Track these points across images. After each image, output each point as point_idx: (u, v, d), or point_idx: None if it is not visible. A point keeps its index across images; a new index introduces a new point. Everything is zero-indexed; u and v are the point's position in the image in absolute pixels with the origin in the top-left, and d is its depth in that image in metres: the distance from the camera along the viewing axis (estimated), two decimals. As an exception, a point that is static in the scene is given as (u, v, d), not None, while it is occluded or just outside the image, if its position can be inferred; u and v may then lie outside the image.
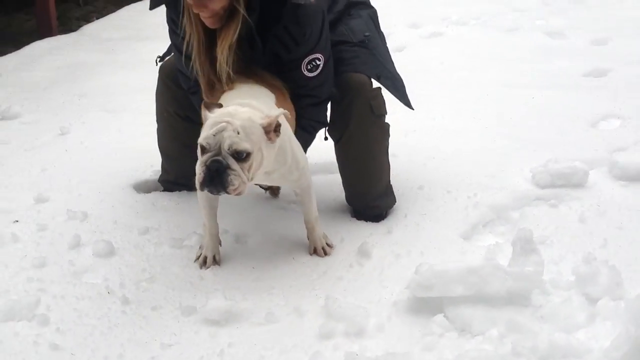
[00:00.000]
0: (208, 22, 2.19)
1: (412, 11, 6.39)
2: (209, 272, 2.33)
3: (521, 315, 1.99)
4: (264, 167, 2.05)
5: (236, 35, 2.18)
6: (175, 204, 2.76)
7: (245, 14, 2.14)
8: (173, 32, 2.42)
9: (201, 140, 1.93)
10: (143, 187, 2.93)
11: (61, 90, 4.23)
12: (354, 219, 2.70)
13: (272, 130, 1.96)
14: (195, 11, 2.14)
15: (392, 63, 2.71)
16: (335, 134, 2.61)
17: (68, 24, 6.25)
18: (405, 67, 3.10)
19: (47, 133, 3.50)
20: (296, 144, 2.25)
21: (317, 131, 2.58)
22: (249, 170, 1.93)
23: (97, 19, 6.67)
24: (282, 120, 2.06)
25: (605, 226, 2.61)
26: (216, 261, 2.37)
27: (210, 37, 2.24)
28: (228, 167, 1.88)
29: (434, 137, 3.42)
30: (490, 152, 3.28)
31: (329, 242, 2.48)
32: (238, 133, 1.87)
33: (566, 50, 5.18)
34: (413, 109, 2.71)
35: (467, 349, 1.89)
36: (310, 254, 2.46)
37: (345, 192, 2.72)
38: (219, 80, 2.27)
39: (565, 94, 4.17)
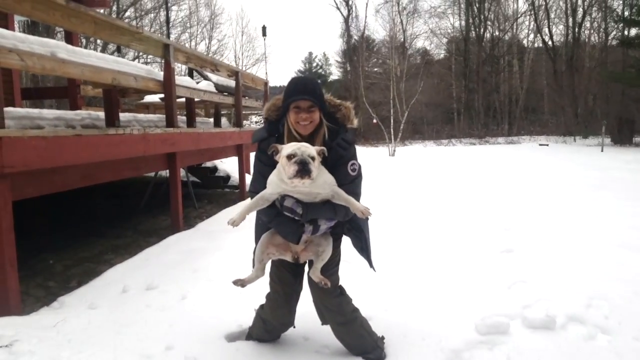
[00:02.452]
0: (307, 129, 2.31)
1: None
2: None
3: None
4: (317, 171, 2.16)
5: (322, 137, 2.35)
6: (252, 350, 2.65)
7: (326, 122, 2.35)
8: (261, 162, 2.39)
9: (290, 151, 2.12)
10: (229, 337, 2.82)
11: (183, 267, 4.24)
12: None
13: (320, 153, 2.18)
14: (303, 117, 2.28)
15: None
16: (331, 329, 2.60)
17: (189, 222, 6.42)
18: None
19: (174, 298, 3.46)
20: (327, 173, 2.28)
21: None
22: (315, 167, 2.12)
23: (207, 217, 6.81)
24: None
25: (524, 363, 2.48)
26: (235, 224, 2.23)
27: None
28: (309, 162, 2.09)
29: (413, 304, 3.31)
30: (447, 308, 3.18)
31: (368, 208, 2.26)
32: (308, 147, 2.14)
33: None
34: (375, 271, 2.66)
35: None
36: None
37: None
38: None
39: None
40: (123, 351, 2.63)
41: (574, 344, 2.67)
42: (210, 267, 4.19)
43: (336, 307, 2.48)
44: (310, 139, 2.32)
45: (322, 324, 2.57)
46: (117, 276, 3.99)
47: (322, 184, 2.21)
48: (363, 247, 2.52)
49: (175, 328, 2.95)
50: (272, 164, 2.27)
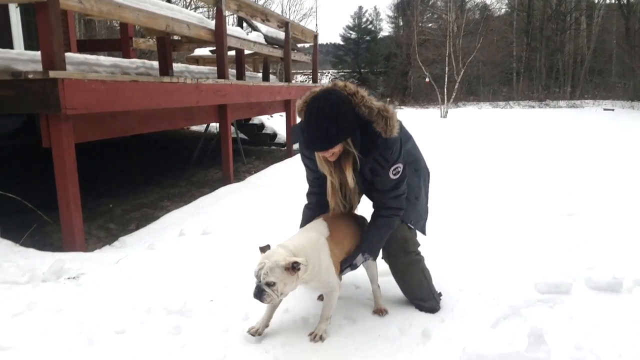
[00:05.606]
0: (331, 159, 2.26)
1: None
2: (325, 345, 2.25)
3: (537, 386, 1.85)
4: (290, 288, 2.11)
5: (352, 164, 2.26)
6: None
7: (354, 151, 2.20)
8: (305, 157, 2.46)
9: (253, 271, 2.09)
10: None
11: (233, 216, 4.38)
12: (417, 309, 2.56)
13: (290, 268, 2.05)
14: (322, 157, 2.26)
15: (426, 202, 2.70)
16: (390, 266, 2.60)
17: (238, 176, 6.58)
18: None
19: (227, 244, 3.59)
20: (330, 274, 2.25)
21: (396, 217, 2.42)
22: (276, 291, 2.06)
23: (255, 172, 6.96)
24: (322, 259, 2.21)
25: (587, 323, 2.40)
26: (259, 333, 2.25)
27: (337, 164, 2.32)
28: (264, 290, 2.05)
29: (469, 262, 3.27)
30: (505, 268, 3.12)
31: (325, 336, 2.27)
32: (267, 273, 2.03)
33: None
34: (425, 235, 2.65)
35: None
36: (309, 334, 2.27)
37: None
38: (347, 185, 2.35)
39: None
40: (184, 290, 2.75)
41: (642, 307, 2.58)
42: (261, 217, 4.30)
43: (400, 241, 2.48)
44: (339, 162, 2.29)
45: (382, 257, 2.58)
46: (173, 221, 4.17)
47: (317, 285, 2.28)
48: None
49: (232, 270, 3.06)
50: (313, 158, 2.35)
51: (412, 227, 2.56)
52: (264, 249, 2.18)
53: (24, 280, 2.79)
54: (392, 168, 2.27)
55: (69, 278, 2.87)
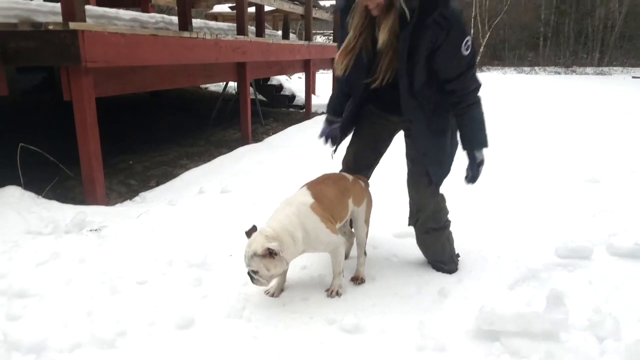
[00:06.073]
0: (374, 12, 1.99)
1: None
2: (342, 300, 2.28)
3: (553, 347, 1.84)
4: (279, 269, 2.07)
5: (391, 22, 1.96)
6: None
7: (403, 4, 1.90)
8: (341, 28, 2.19)
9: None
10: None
11: (252, 176, 4.40)
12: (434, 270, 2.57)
13: (267, 255, 1.99)
14: (364, 3, 1.98)
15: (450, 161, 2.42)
16: (416, 231, 2.56)
17: (256, 137, 6.58)
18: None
19: (245, 202, 3.62)
20: (326, 234, 2.16)
21: (477, 92, 2.17)
22: (262, 277, 2.05)
23: (273, 133, 6.96)
24: (308, 229, 2.12)
25: (606, 287, 2.39)
26: (276, 296, 2.27)
27: (371, 26, 2.06)
28: (253, 277, 2.06)
29: (490, 226, 3.23)
30: (525, 232, 3.10)
31: (341, 291, 2.30)
32: (248, 262, 2.02)
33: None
34: (438, 189, 2.47)
35: (518, 368, 1.75)
36: (325, 290, 2.31)
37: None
38: (377, 52, 2.08)
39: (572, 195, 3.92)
40: (204, 245, 2.79)
41: (665, 274, 2.55)
42: (279, 177, 4.32)
43: (432, 211, 2.44)
44: (372, 23, 2.05)
45: (409, 225, 2.57)
46: (193, 179, 4.21)
47: (319, 249, 2.25)
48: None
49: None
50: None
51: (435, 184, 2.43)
52: (249, 233, 2.11)
53: (47, 231, 2.86)
54: (463, 42, 1.99)
55: (91, 230, 2.93)
